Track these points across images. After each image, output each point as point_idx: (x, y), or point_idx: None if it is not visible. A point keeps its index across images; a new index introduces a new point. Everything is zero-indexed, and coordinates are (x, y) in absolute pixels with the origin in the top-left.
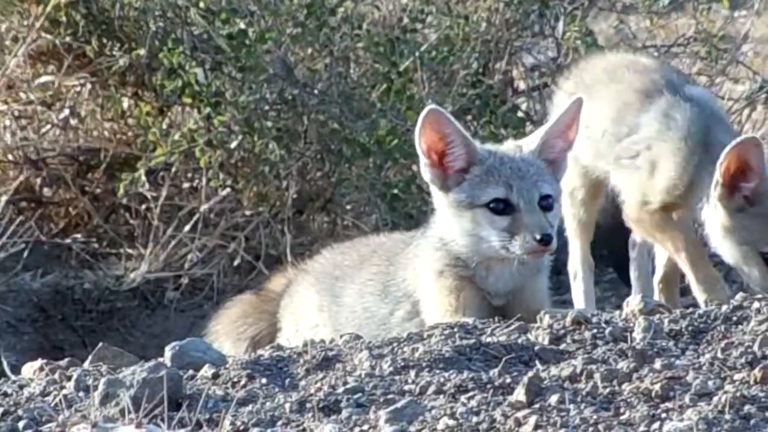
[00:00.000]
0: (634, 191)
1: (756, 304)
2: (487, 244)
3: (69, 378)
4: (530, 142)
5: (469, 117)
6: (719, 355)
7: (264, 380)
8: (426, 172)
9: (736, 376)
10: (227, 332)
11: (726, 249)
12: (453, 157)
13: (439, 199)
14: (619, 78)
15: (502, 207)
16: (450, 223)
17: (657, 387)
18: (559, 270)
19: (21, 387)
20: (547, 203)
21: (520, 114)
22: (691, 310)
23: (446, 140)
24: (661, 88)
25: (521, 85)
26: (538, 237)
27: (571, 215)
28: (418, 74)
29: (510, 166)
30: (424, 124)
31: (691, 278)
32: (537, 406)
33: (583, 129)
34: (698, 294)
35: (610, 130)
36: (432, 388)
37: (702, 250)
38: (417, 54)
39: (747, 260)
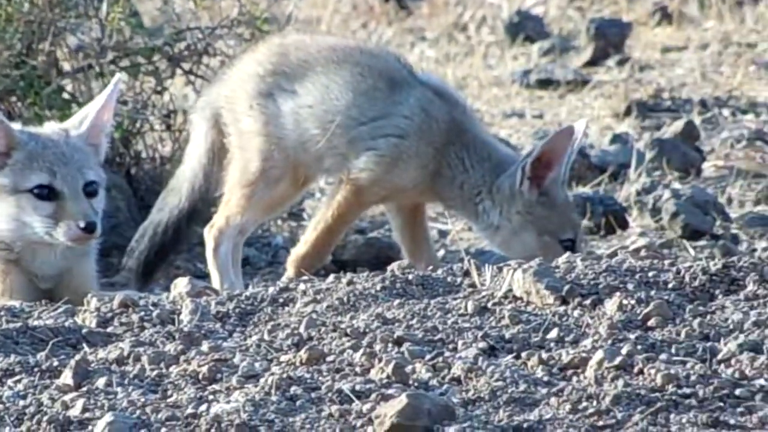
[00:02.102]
0: (372, 174)
1: (302, 286)
2: (30, 230)
3: None
4: (77, 126)
5: (13, 98)
6: (266, 337)
7: None
8: None
9: (283, 358)
10: None
11: (521, 241)
12: None
13: None
14: (353, 61)
15: (46, 193)
16: None
17: (204, 369)
18: (107, 252)
19: None
20: (92, 189)
21: (65, 95)
22: (238, 292)
23: None
24: (406, 77)
25: (66, 66)
26: (82, 225)
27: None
28: None
29: (54, 151)
30: None
31: (309, 246)
32: (84, 389)
33: (294, 111)
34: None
35: (350, 113)
36: None
37: None
38: None
39: (546, 250)
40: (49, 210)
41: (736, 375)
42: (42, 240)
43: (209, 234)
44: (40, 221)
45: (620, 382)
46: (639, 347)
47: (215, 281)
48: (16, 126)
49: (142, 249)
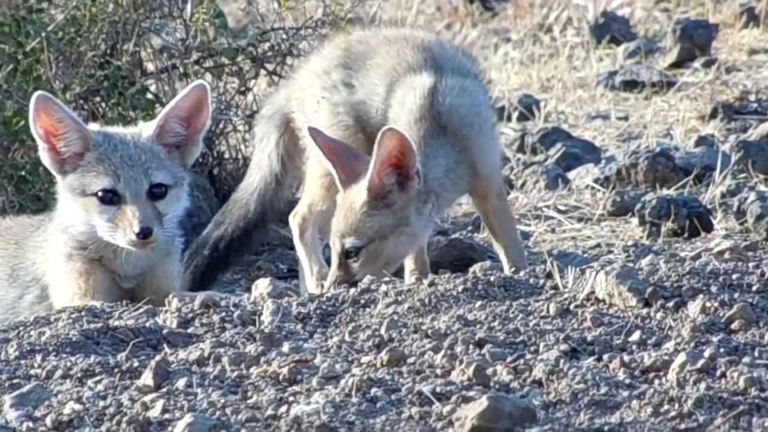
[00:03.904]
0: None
1: (383, 288)
2: (99, 233)
3: None
4: (149, 127)
5: (97, 98)
6: (347, 338)
7: None
8: (44, 157)
9: (364, 359)
10: None
11: None
12: (66, 141)
13: (59, 183)
14: (399, 51)
15: (109, 197)
16: (69, 208)
17: (285, 370)
18: None
19: None
20: (158, 191)
21: (149, 95)
22: (318, 294)
23: (59, 125)
24: (433, 69)
25: (150, 67)
26: (136, 230)
27: None
28: (45, 55)
29: (121, 154)
30: (37, 110)
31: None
32: (164, 389)
33: (354, 105)
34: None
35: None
36: (59, 373)
37: None
38: (44, 34)
39: None
40: (111, 214)
41: None
42: (110, 242)
43: (294, 222)
44: (103, 225)
45: (702, 385)
46: (722, 350)
47: (304, 264)
48: (94, 127)
49: (199, 263)
